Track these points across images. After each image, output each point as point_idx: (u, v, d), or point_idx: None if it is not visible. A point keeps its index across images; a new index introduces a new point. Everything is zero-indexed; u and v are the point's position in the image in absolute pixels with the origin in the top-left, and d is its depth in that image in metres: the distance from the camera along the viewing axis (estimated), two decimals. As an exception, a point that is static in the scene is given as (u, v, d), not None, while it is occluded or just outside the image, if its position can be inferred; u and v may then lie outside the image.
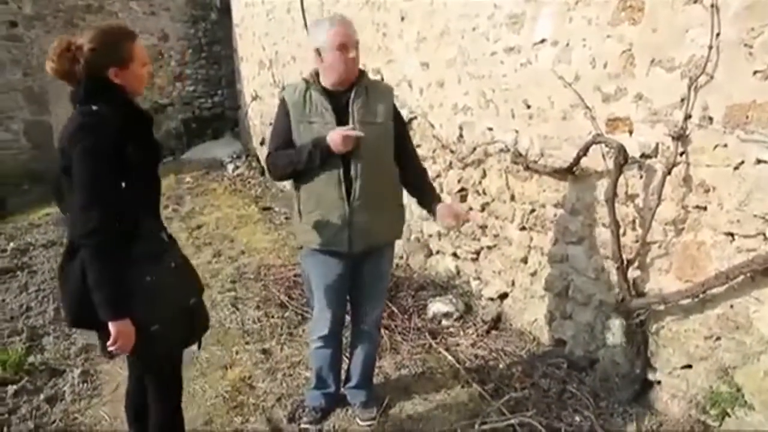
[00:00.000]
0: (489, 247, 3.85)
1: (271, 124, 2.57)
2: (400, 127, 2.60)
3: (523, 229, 3.50)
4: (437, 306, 3.83)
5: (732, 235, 2.32)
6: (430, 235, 4.50)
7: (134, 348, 1.89)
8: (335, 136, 2.28)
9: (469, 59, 3.77)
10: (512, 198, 3.56)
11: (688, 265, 2.51)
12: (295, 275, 4.32)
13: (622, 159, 2.64)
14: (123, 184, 1.84)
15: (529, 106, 3.31)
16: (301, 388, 3.04)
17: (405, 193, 2.67)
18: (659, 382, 2.72)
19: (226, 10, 9.51)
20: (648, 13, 2.55)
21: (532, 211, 3.41)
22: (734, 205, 2.29)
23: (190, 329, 2.07)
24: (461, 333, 3.62)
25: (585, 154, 2.91)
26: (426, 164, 4.17)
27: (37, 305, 4.11)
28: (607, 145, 2.77)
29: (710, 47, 2.27)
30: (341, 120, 2.37)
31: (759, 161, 2.18)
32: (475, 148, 3.83)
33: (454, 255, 4.21)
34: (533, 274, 3.48)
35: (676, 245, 2.57)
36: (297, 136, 2.41)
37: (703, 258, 2.45)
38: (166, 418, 2.15)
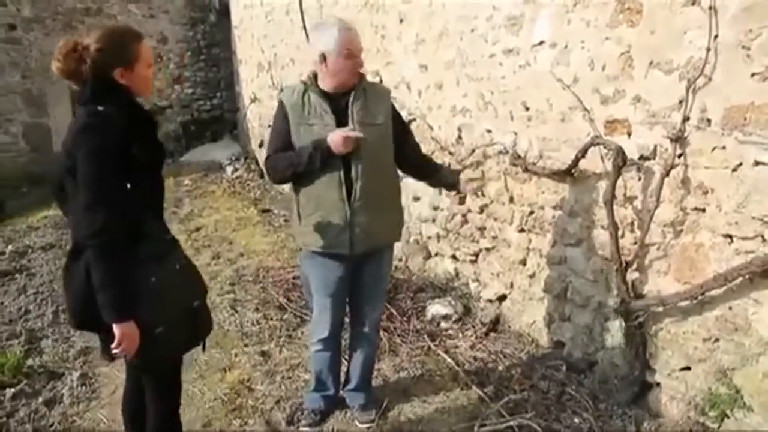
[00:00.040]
0: (488, 249, 3.85)
1: (269, 126, 2.57)
2: (401, 125, 2.61)
3: (521, 231, 3.50)
4: (436, 308, 3.83)
5: (730, 236, 2.32)
6: (429, 237, 4.50)
7: (138, 350, 1.88)
8: (336, 137, 2.28)
9: (467, 61, 3.77)
10: (511, 200, 3.56)
11: (687, 266, 2.52)
12: (294, 277, 4.32)
13: (621, 161, 2.65)
14: (128, 185, 1.84)
15: (527, 108, 3.31)
16: (300, 391, 3.04)
17: (403, 194, 2.67)
18: (658, 384, 2.72)
19: (224, 13, 9.52)
20: (646, 15, 2.56)
21: (531, 212, 3.41)
22: (732, 207, 2.29)
23: (194, 331, 2.06)
24: (460, 335, 3.62)
25: (583, 156, 2.91)
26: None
27: (35, 308, 4.11)
28: (605, 147, 2.77)
29: (708, 49, 2.27)
30: (341, 122, 2.37)
31: (757, 163, 2.19)
32: (473, 150, 3.83)
33: (453, 257, 4.21)
34: (532, 276, 3.48)
35: (675, 247, 2.57)
36: (296, 138, 2.40)
37: (701, 260, 2.45)
38: (165, 421, 2.14)
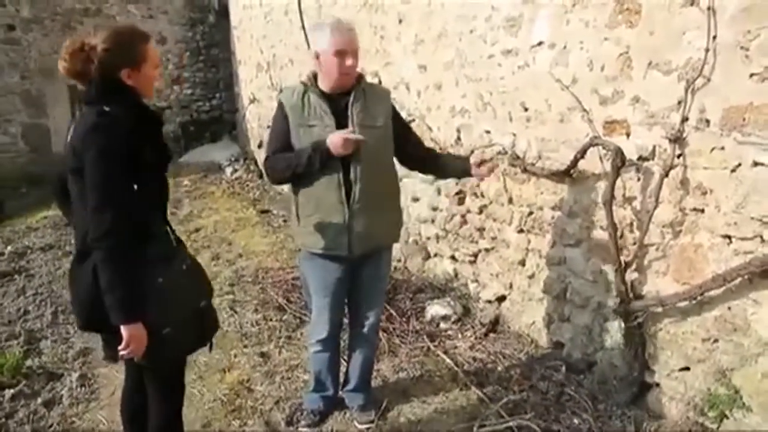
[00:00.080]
0: (487, 250, 3.85)
1: (268, 127, 2.57)
2: (401, 125, 2.61)
3: (520, 231, 3.50)
4: (435, 309, 3.83)
5: (729, 237, 2.32)
6: (428, 238, 4.50)
7: (145, 351, 1.87)
8: (336, 139, 2.28)
9: (466, 62, 3.77)
10: (510, 201, 3.56)
11: (686, 267, 2.52)
12: (293, 278, 4.32)
13: (620, 161, 2.65)
14: (135, 186, 1.83)
15: (526, 109, 3.31)
16: (299, 391, 3.04)
17: (402, 195, 2.68)
18: (657, 385, 2.72)
19: (224, 13, 9.52)
20: (645, 16, 2.56)
21: (530, 213, 3.41)
22: (731, 207, 2.29)
23: (201, 332, 2.06)
24: (459, 336, 3.62)
25: (582, 157, 2.91)
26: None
27: (34, 309, 4.10)
28: (604, 148, 2.77)
29: (707, 50, 2.28)
30: (340, 123, 2.37)
31: (756, 163, 2.19)
32: (473, 151, 3.83)
33: (452, 258, 4.21)
34: (531, 276, 3.48)
35: (674, 248, 2.57)
36: (296, 139, 2.40)
37: (700, 260, 2.45)
38: (168, 422, 2.14)
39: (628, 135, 2.71)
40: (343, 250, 2.45)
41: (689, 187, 2.45)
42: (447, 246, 4.25)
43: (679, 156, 2.47)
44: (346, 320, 2.84)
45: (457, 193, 4.06)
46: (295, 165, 2.37)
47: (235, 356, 3.44)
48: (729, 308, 2.36)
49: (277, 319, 3.87)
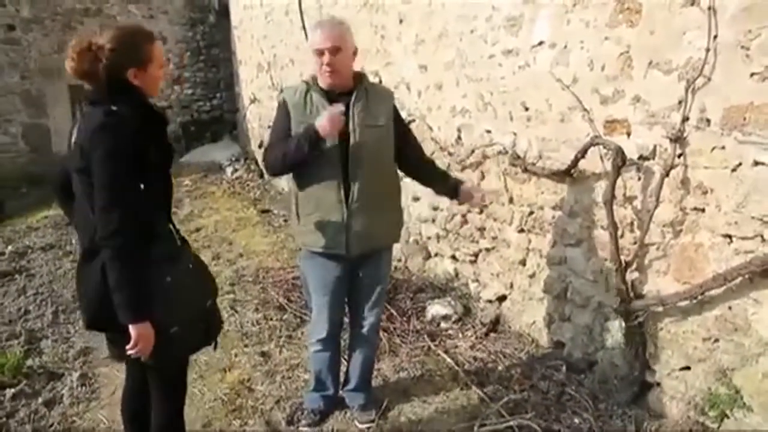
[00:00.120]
0: (487, 250, 3.85)
1: (269, 127, 2.57)
2: (402, 127, 2.60)
3: (521, 231, 3.50)
4: (436, 308, 3.83)
5: (730, 236, 2.32)
6: (429, 238, 4.50)
7: (152, 350, 1.87)
8: (323, 122, 2.27)
9: (467, 62, 3.78)
10: (511, 200, 3.56)
11: (686, 266, 2.52)
12: (293, 278, 4.32)
13: (620, 161, 2.65)
14: (141, 186, 1.84)
15: (527, 109, 3.31)
16: (299, 391, 3.04)
17: (403, 195, 2.68)
18: (658, 384, 2.72)
19: (224, 13, 9.53)
20: (645, 16, 2.56)
21: (531, 213, 3.41)
22: (732, 207, 2.29)
23: (206, 331, 2.07)
24: (460, 335, 3.62)
25: (583, 156, 2.91)
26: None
27: (35, 308, 4.11)
28: (605, 147, 2.77)
29: (707, 49, 2.28)
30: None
31: (756, 163, 2.19)
32: (473, 151, 3.83)
33: (453, 257, 4.21)
34: (532, 276, 3.48)
35: (674, 247, 2.57)
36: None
37: (701, 260, 2.45)
38: (170, 421, 2.15)
39: (628, 134, 2.71)
40: (341, 249, 2.45)
41: (690, 186, 2.45)
42: (447, 245, 4.25)
43: (679, 155, 2.47)
44: (347, 320, 2.84)
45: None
46: (285, 151, 2.37)
47: (236, 356, 3.44)
48: (730, 308, 2.36)
49: (278, 319, 3.87)
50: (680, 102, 2.42)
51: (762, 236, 2.21)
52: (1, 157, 8.55)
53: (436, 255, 4.44)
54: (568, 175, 3.06)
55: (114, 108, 1.82)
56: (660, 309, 2.64)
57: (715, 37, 2.25)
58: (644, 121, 2.62)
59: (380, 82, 4.69)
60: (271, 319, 3.87)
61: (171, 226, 2.02)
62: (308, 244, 2.53)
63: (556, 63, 3.06)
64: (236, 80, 9.64)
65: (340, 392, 2.88)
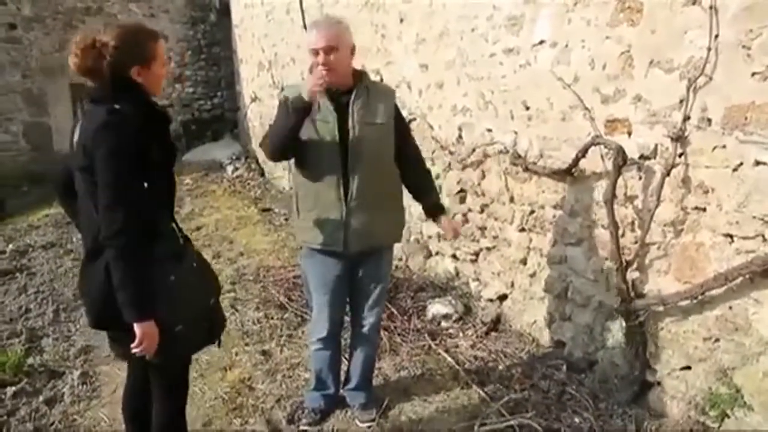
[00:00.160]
0: (488, 249, 3.85)
1: (270, 126, 2.57)
2: (402, 126, 2.60)
3: (522, 230, 3.50)
4: (437, 307, 3.83)
5: (731, 236, 2.32)
6: (430, 237, 4.50)
7: (156, 349, 1.87)
8: (307, 84, 2.26)
9: (468, 60, 3.77)
10: (511, 199, 3.56)
11: (687, 266, 2.52)
12: (294, 277, 4.32)
13: (621, 160, 2.65)
14: (145, 184, 1.84)
15: (528, 108, 3.31)
16: (300, 390, 3.04)
17: (405, 194, 2.67)
18: (659, 384, 2.72)
19: (225, 12, 9.52)
20: (647, 15, 2.56)
21: (532, 212, 3.41)
22: (733, 206, 2.29)
23: (210, 329, 2.07)
24: (461, 334, 3.62)
25: (584, 156, 2.91)
26: (425, 166, 4.20)
27: (36, 307, 4.11)
28: (606, 147, 2.77)
29: (709, 49, 2.27)
30: (342, 119, 2.38)
31: (758, 162, 2.19)
32: (474, 150, 3.83)
33: (454, 256, 4.21)
34: (532, 275, 3.48)
35: (675, 246, 2.57)
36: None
37: (702, 259, 2.45)
38: (172, 419, 2.15)
39: (629, 134, 2.71)
40: (338, 246, 2.46)
41: (691, 185, 2.45)
42: (448, 245, 4.25)
43: (680, 155, 2.47)
44: (348, 318, 2.84)
45: (458, 192, 4.06)
46: (276, 124, 2.37)
47: (237, 354, 3.44)
48: (730, 307, 2.36)
49: (279, 318, 3.88)
50: (681, 101, 2.42)
51: (763, 236, 2.20)
52: (2, 155, 8.55)
53: (436, 254, 4.44)
54: (568, 174, 3.06)
55: (117, 106, 1.82)
56: (661, 308, 2.63)
57: (717, 36, 2.25)
58: (645, 120, 2.62)
59: (381, 81, 4.68)
60: (272, 318, 3.87)
61: (174, 225, 2.02)
62: (307, 240, 2.53)
63: (557, 62, 3.05)
64: (237, 79, 9.64)
65: (341, 391, 2.88)
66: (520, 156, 3.39)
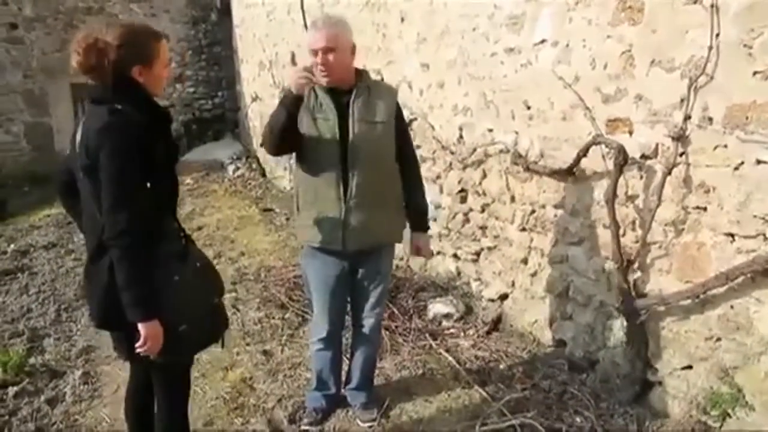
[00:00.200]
0: (489, 248, 3.85)
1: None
2: (401, 125, 2.59)
3: (523, 230, 3.50)
4: (438, 307, 3.83)
5: (732, 235, 2.32)
6: (431, 236, 4.48)
7: (161, 348, 1.88)
8: (290, 79, 2.27)
9: (469, 60, 3.77)
10: (512, 199, 3.56)
11: (689, 265, 2.51)
12: (295, 276, 4.32)
13: (622, 160, 2.64)
14: (148, 184, 1.84)
15: (529, 107, 3.31)
16: (301, 390, 3.04)
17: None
18: (660, 383, 2.72)
19: (226, 12, 9.52)
20: (648, 14, 2.55)
21: (532, 212, 3.41)
22: (734, 205, 2.29)
23: (214, 329, 2.07)
24: (462, 334, 3.62)
25: (585, 155, 2.91)
26: (426, 165, 4.21)
27: (37, 307, 4.11)
28: (607, 146, 2.77)
29: (710, 48, 2.27)
30: (343, 118, 2.38)
31: (759, 162, 2.18)
32: (475, 149, 3.83)
33: (455, 256, 4.21)
34: (533, 275, 3.48)
35: (676, 246, 2.56)
36: (300, 127, 2.40)
37: (703, 259, 2.45)
38: (174, 420, 2.15)
39: (630, 133, 2.71)
40: (337, 245, 2.46)
41: (692, 185, 2.45)
42: (449, 244, 4.25)
43: (681, 154, 2.46)
44: (349, 318, 2.84)
45: (459, 192, 4.05)
46: (272, 114, 2.37)
47: (238, 354, 3.44)
48: (732, 307, 2.36)
49: (280, 317, 3.88)
50: (682, 100, 2.42)
51: (764, 235, 2.20)
52: (4, 156, 8.55)
53: (438, 254, 4.43)
54: (569, 173, 3.06)
55: (119, 107, 1.82)
56: (662, 308, 2.63)
57: (718, 35, 2.25)
58: (646, 119, 2.62)
59: (382, 80, 4.68)
60: (273, 318, 3.87)
61: (176, 225, 2.03)
62: (307, 239, 2.54)
63: (558, 61, 3.05)
64: (238, 79, 9.63)
65: (342, 391, 2.88)
66: (521, 155, 3.39)
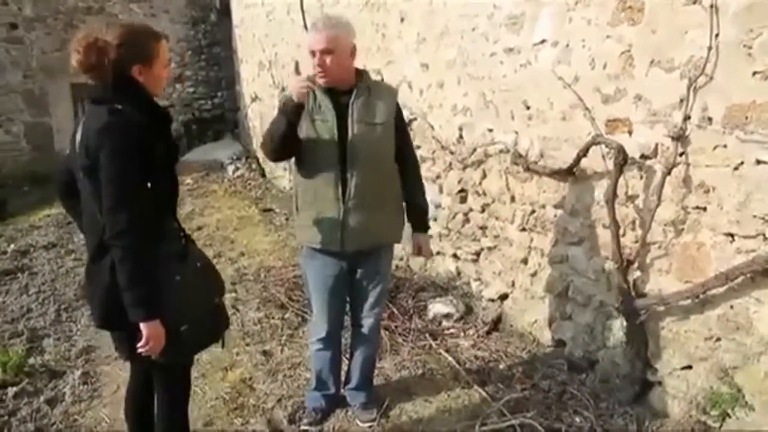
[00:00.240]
0: (489, 248, 3.85)
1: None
2: (400, 125, 2.59)
3: (523, 230, 3.50)
4: (438, 307, 3.83)
5: (732, 235, 2.32)
6: (431, 236, 4.48)
7: (162, 349, 1.88)
8: (291, 88, 2.28)
9: (468, 60, 3.77)
10: (512, 199, 3.56)
11: (688, 265, 2.51)
12: (295, 276, 4.32)
13: (622, 160, 2.65)
14: (148, 184, 1.84)
15: (528, 107, 3.31)
16: (301, 390, 3.04)
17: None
18: (659, 383, 2.72)
19: (225, 12, 9.52)
20: (647, 14, 2.56)
21: (532, 212, 3.41)
22: (734, 205, 2.29)
23: (215, 329, 2.08)
24: (462, 334, 3.62)
25: (585, 155, 2.91)
26: (426, 165, 4.20)
27: (37, 307, 4.11)
28: (606, 146, 2.77)
29: (709, 48, 2.27)
30: (342, 118, 2.38)
31: (759, 162, 2.18)
32: (475, 149, 3.83)
33: (455, 256, 4.21)
34: (533, 275, 3.48)
35: (676, 246, 2.57)
36: (299, 130, 2.40)
37: (702, 259, 2.45)
38: (174, 420, 2.16)
39: (630, 133, 2.71)
40: (336, 246, 2.46)
41: (691, 185, 2.45)
42: (449, 244, 4.25)
43: (681, 154, 2.46)
44: (348, 318, 2.84)
45: (459, 192, 4.06)
46: (272, 122, 2.38)
47: (237, 354, 3.44)
48: (731, 307, 2.36)
49: (279, 317, 3.88)
50: (682, 100, 2.42)
51: (764, 235, 2.20)
52: (4, 156, 8.55)
53: (438, 254, 4.43)
54: (569, 173, 3.06)
55: (119, 107, 1.82)
56: (661, 308, 2.63)
57: (717, 35, 2.25)
58: (646, 119, 2.62)
59: (382, 80, 4.68)
60: (273, 318, 3.87)
61: (177, 225, 2.03)
62: (306, 240, 2.54)
63: (557, 61, 3.05)
64: (237, 79, 9.63)
65: (342, 391, 2.88)
66: (521, 155, 3.39)
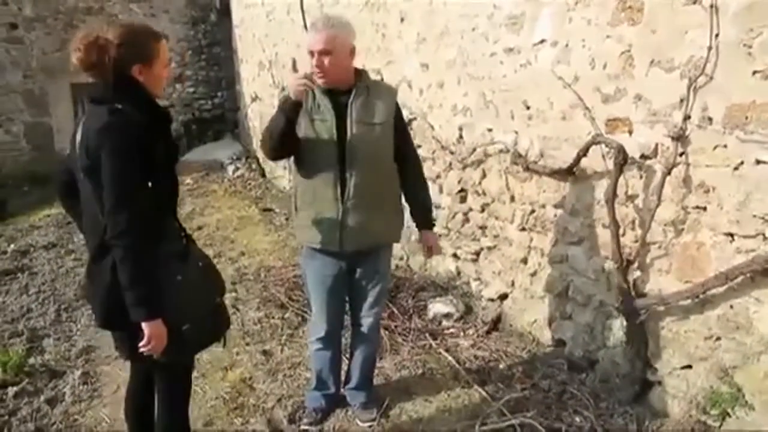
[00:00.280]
0: (489, 248, 3.85)
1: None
2: (400, 124, 2.59)
3: (523, 229, 3.50)
4: (437, 307, 3.83)
5: (732, 235, 2.32)
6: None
7: (164, 348, 1.88)
8: (290, 87, 2.27)
9: (468, 60, 3.77)
10: (512, 199, 3.56)
11: (688, 265, 2.51)
12: (295, 276, 4.32)
13: (622, 159, 2.65)
14: (149, 184, 1.84)
15: (528, 107, 3.31)
16: (301, 389, 3.04)
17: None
18: (659, 383, 2.72)
19: (225, 12, 9.52)
20: (647, 14, 2.56)
21: (532, 211, 3.41)
22: (734, 205, 2.29)
23: (216, 328, 2.08)
24: (461, 334, 3.62)
25: (585, 155, 2.91)
26: (426, 165, 4.18)
27: (37, 307, 4.12)
28: (606, 146, 2.77)
29: (709, 48, 2.27)
30: (341, 118, 2.38)
31: (758, 162, 2.18)
32: (474, 149, 3.83)
33: (455, 256, 4.21)
34: (533, 274, 3.48)
35: (676, 246, 2.57)
36: (298, 129, 2.40)
37: (702, 258, 2.45)
38: (175, 420, 2.16)
39: (630, 133, 2.71)
40: (335, 246, 2.46)
41: (691, 185, 2.45)
42: (449, 244, 4.25)
43: (681, 154, 2.47)
44: (348, 318, 2.84)
45: (459, 192, 4.06)
46: (271, 120, 2.37)
47: (238, 354, 3.45)
48: (731, 306, 2.36)
49: (280, 317, 3.88)
50: (682, 100, 2.42)
51: (764, 235, 2.20)
52: (4, 156, 8.55)
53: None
54: (569, 173, 3.06)
55: (119, 106, 1.82)
56: (661, 308, 2.63)
57: (717, 35, 2.25)
58: (646, 119, 2.62)
59: (382, 80, 4.68)
60: (273, 318, 3.87)
61: (178, 225, 2.03)
62: (305, 240, 2.54)
63: (557, 61, 3.05)
64: (238, 79, 9.63)
65: (342, 390, 2.88)
66: (520, 155, 3.39)
